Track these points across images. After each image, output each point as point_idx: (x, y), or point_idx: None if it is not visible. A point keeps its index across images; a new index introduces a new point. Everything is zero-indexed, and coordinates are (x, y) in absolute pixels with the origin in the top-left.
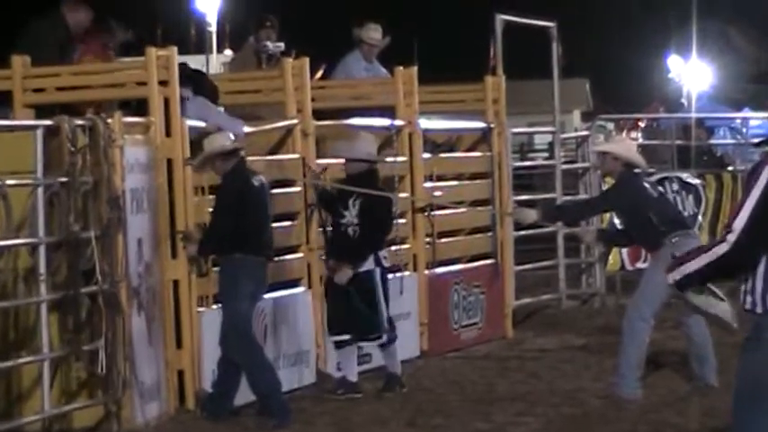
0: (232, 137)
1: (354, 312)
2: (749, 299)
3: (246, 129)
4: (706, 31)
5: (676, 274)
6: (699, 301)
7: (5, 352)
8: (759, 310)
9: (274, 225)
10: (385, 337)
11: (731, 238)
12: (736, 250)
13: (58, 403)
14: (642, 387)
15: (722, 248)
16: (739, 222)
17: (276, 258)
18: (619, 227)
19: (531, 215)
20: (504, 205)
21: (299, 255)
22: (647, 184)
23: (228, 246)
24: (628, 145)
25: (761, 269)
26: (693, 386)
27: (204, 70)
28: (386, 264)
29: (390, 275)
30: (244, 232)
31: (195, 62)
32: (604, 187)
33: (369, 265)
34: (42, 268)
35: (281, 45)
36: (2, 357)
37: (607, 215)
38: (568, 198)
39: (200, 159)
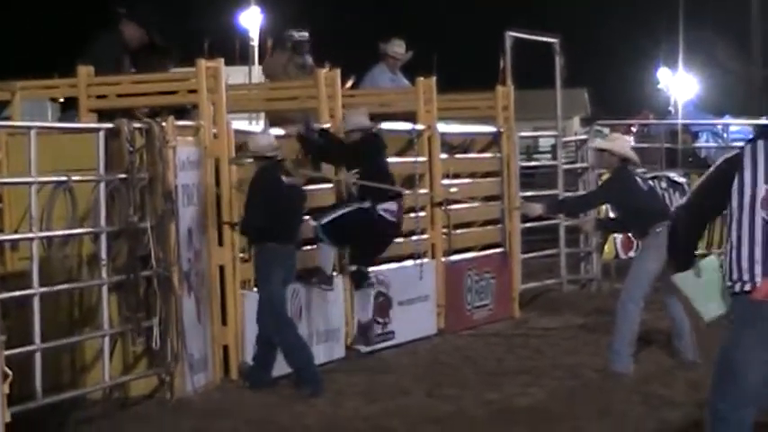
0: (273, 139)
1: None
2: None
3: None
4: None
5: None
6: (680, 282)
7: (71, 328)
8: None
9: (308, 217)
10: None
11: (682, 202)
12: (681, 212)
13: (117, 374)
14: (634, 362)
15: (672, 217)
16: (686, 196)
17: (310, 247)
18: (612, 216)
19: (537, 209)
20: (512, 200)
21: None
22: (638, 178)
23: (262, 236)
24: (623, 142)
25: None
26: (677, 361)
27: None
28: (385, 215)
29: (410, 262)
30: (275, 225)
31: (239, 73)
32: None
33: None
34: (104, 254)
35: (306, 34)
36: (68, 333)
37: (604, 207)
38: (569, 194)
39: (242, 156)
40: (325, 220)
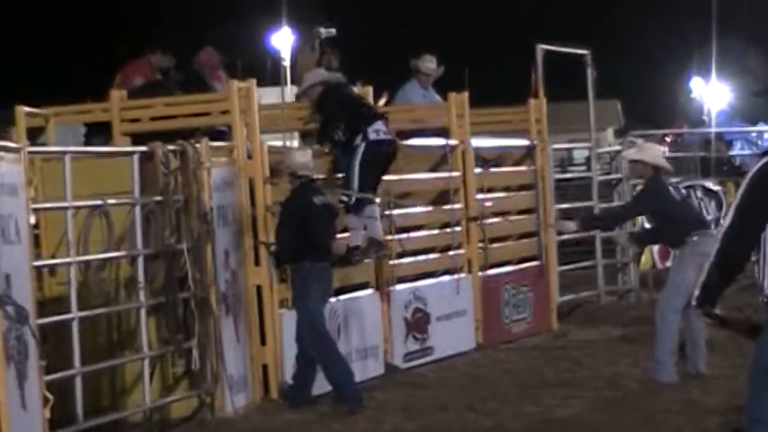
0: (310, 157)
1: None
2: (763, 287)
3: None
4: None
5: (696, 292)
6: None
7: (111, 351)
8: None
9: (343, 236)
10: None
11: (720, 235)
12: (727, 243)
13: (157, 396)
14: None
15: (716, 247)
16: (728, 218)
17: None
18: (647, 226)
19: (571, 226)
20: (548, 213)
21: (368, 261)
22: (671, 187)
23: (298, 256)
24: (655, 152)
25: (763, 258)
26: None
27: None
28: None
29: (447, 278)
30: (310, 244)
31: (271, 93)
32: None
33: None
34: (141, 277)
35: (333, 30)
36: (107, 357)
37: (639, 219)
38: (604, 206)
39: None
40: (355, 184)
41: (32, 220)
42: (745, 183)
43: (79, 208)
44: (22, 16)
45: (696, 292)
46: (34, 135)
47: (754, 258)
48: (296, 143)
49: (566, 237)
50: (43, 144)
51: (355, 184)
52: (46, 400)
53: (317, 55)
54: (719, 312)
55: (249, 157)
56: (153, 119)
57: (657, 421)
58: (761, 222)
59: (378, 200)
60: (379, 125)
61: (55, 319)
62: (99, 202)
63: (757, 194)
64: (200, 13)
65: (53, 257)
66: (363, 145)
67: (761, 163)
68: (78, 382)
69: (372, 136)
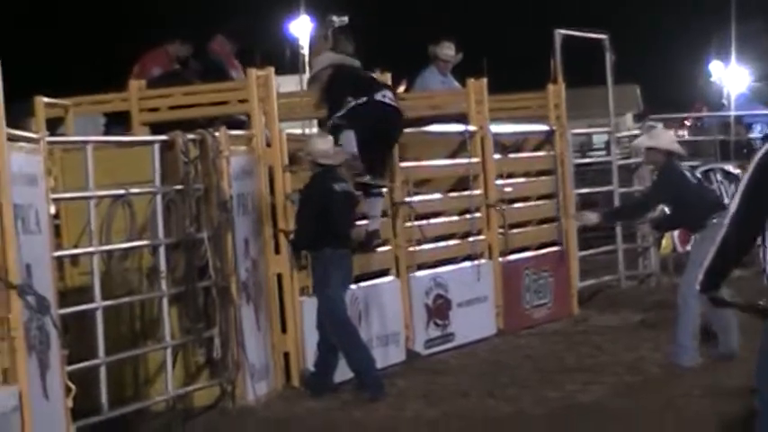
0: (331, 144)
1: None
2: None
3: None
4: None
5: (700, 277)
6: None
7: (133, 341)
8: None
9: (363, 222)
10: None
11: (726, 220)
12: (732, 229)
13: (179, 385)
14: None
15: (722, 233)
16: (733, 204)
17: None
18: (667, 212)
19: (592, 219)
20: (567, 198)
21: (388, 248)
22: (686, 172)
23: (319, 243)
24: (667, 137)
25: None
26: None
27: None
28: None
29: (468, 264)
30: (331, 231)
31: (289, 81)
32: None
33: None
34: (163, 266)
35: (346, 18)
36: (130, 346)
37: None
38: (623, 191)
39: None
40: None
41: (53, 210)
42: (750, 168)
43: (101, 197)
44: (21, 16)
45: (700, 277)
46: (53, 126)
47: (758, 243)
48: (315, 131)
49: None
50: (62, 134)
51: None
52: (68, 390)
53: (329, 44)
54: (725, 297)
55: (268, 145)
56: (171, 108)
57: (679, 406)
58: (766, 207)
59: (385, 190)
60: (386, 92)
61: (77, 309)
62: (122, 192)
63: (762, 179)
64: (212, 3)
65: (75, 247)
66: (369, 105)
67: (766, 147)
68: (103, 371)
69: (378, 97)
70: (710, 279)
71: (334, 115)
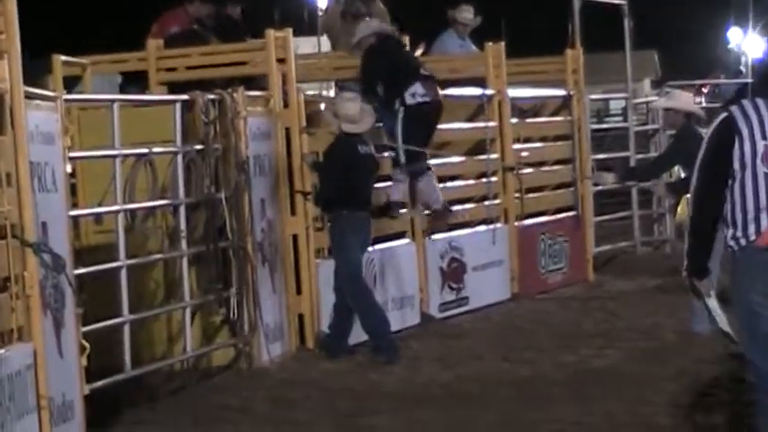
0: (359, 108)
1: None
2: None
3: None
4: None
5: (685, 261)
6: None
7: (152, 302)
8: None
9: (382, 185)
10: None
11: (690, 198)
12: (696, 205)
13: (198, 346)
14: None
15: (689, 212)
16: (693, 180)
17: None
18: (683, 176)
19: (609, 178)
20: (584, 163)
21: (404, 211)
22: (704, 135)
23: (336, 204)
24: (686, 99)
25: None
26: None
27: (316, 50)
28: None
29: (484, 227)
30: (350, 193)
31: (308, 43)
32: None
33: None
34: (183, 226)
35: None
36: (149, 306)
37: (675, 169)
38: (640, 157)
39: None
40: (401, 151)
41: (69, 168)
42: (705, 142)
43: (126, 157)
44: None
45: (685, 262)
46: (70, 84)
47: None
48: (332, 93)
49: (602, 187)
50: (80, 93)
51: (401, 150)
52: (83, 348)
53: (340, 7)
54: (700, 289)
55: (285, 106)
56: (189, 68)
57: (694, 372)
58: (725, 178)
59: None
60: (416, 87)
61: (100, 268)
62: (144, 150)
63: (718, 150)
64: None
65: (99, 205)
66: (402, 110)
67: (717, 120)
68: (126, 330)
69: (409, 100)
70: (692, 263)
71: (369, 86)
